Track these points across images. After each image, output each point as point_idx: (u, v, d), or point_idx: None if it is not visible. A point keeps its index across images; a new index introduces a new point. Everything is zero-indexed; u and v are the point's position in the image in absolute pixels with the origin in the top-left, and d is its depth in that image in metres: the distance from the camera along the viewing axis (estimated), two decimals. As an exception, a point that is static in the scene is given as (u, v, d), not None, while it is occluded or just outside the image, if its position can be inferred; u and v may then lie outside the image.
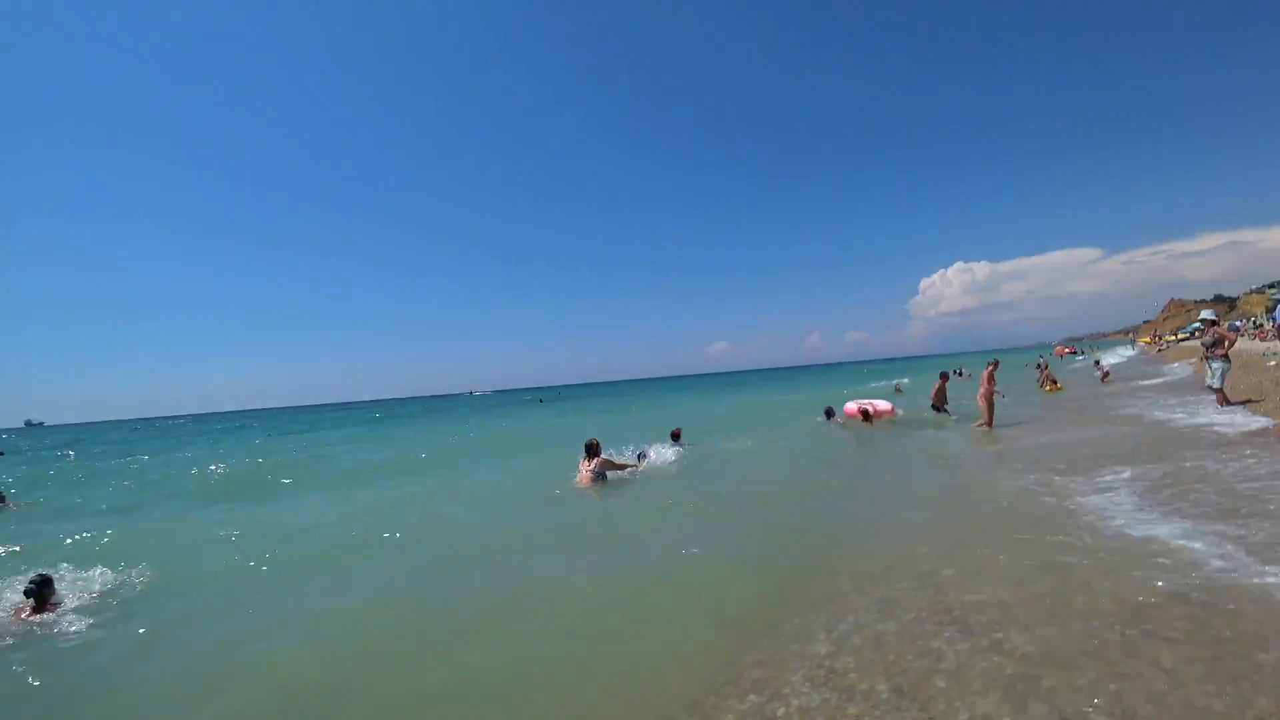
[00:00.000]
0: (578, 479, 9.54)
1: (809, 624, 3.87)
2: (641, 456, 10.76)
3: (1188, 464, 7.01)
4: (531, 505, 8.71)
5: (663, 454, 11.40)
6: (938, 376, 16.41)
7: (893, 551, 5.16)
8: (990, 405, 12.46)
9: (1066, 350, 64.67)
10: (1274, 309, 23.02)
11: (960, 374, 16.29)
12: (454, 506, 9.37)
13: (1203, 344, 11.59)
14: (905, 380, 31.02)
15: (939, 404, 15.24)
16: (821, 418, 15.89)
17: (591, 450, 9.72)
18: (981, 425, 12.44)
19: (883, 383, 32.37)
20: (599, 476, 9.46)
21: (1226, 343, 11.17)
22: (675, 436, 13.18)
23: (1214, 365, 10.99)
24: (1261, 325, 41.33)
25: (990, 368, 13.08)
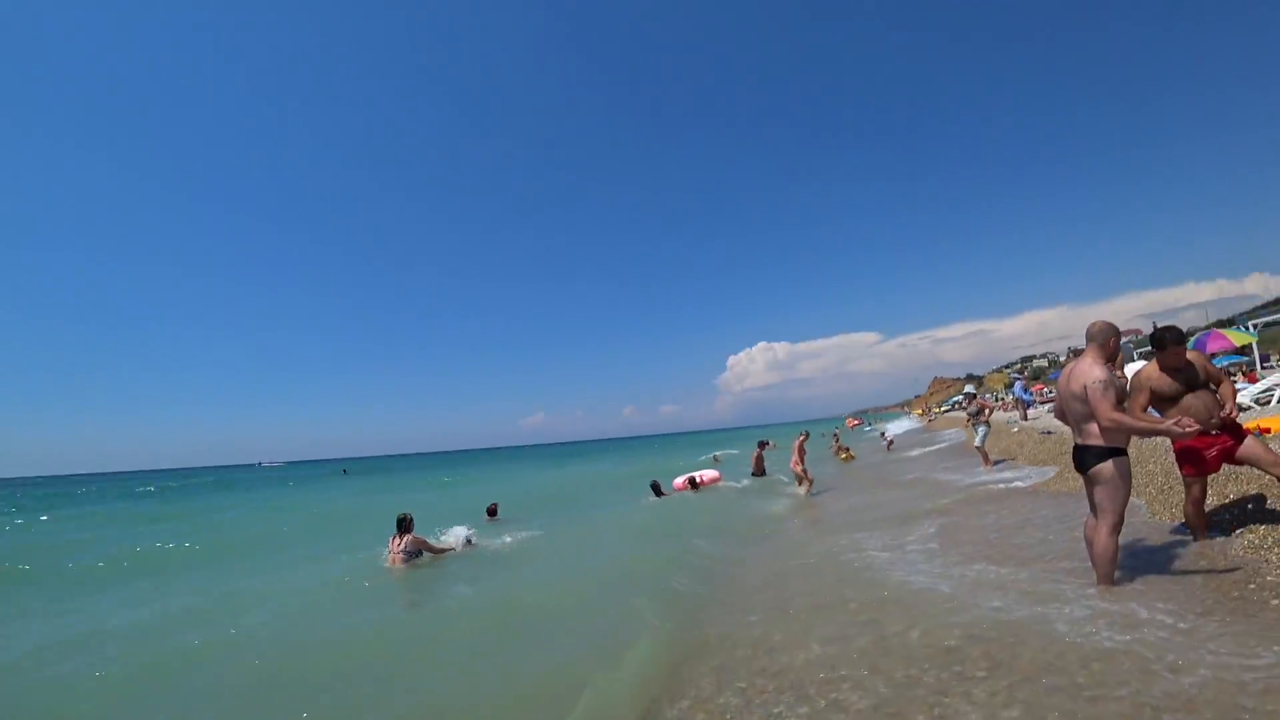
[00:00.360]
0: (388, 558, 8.71)
1: (651, 705, 3.72)
2: (470, 541, 10.08)
3: (968, 518, 7.95)
4: (341, 606, 7.43)
5: (483, 537, 10.56)
6: (755, 446, 17.57)
7: (726, 619, 5.19)
8: (804, 472, 13.46)
9: (855, 422, 72.81)
10: (1012, 385, 27.83)
11: (771, 445, 17.41)
12: (249, 615, 7.22)
13: (968, 413, 13.58)
14: (720, 453, 32.88)
15: (759, 471, 16.30)
16: (650, 494, 15.44)
17: (403, 525, 8.95)
18: (802, 488, 13.37)
19: (702, 455, 33.84)
20: (411, 556, 8.71)
21: (986, 411, 13.32)
22: (491, 512, 12.69)
23: (978, 429, 13.00)
24: (1002, 398, 50.25)
25: (801, 439, 14.21)
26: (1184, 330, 4.84)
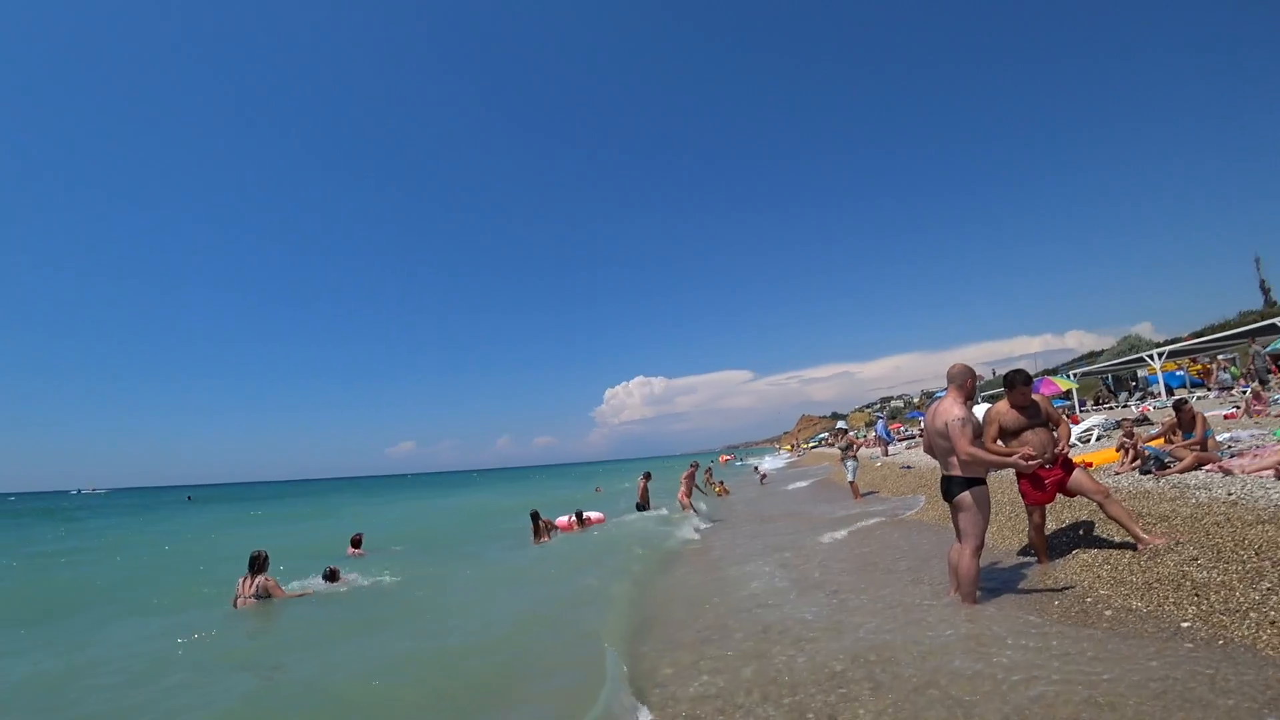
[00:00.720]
0: (237, 600, 7.88)
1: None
2: (332, 576, 9.18)
3: (845, 548, 8.35)
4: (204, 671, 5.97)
5: (348, 573, 9.58)
6: (640, 477, 17.54)
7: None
8: (689, 504, 13.68)
9: (728, 458, 75.06)
10: (874, 423, 30.00)
11: (643, 478, 17.34)
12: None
13: (839, 448, 14.37)
14: (600, 486, 32.46)
15: (644, 503, 16.15)
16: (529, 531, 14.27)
17: (256, 565, 8.10)
18: (689, 522, 13.50)
19: (578, 488, 33.35)
20: (263, 597, 7.90)
21: (855, 447, 14.16)
22: (355, 544, 11.78)
23: (849, 464, 13.78)
24: (865, 436, 54.24)
25: (690, 470, 14.49)
26: (1029, 374, 5.43)
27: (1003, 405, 5.36)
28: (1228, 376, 23.23)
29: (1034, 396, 5.30)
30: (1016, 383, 5.21)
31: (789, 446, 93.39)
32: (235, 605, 7.90)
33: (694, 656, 4.70)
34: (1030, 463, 4.82)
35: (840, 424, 17.37)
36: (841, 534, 9.46)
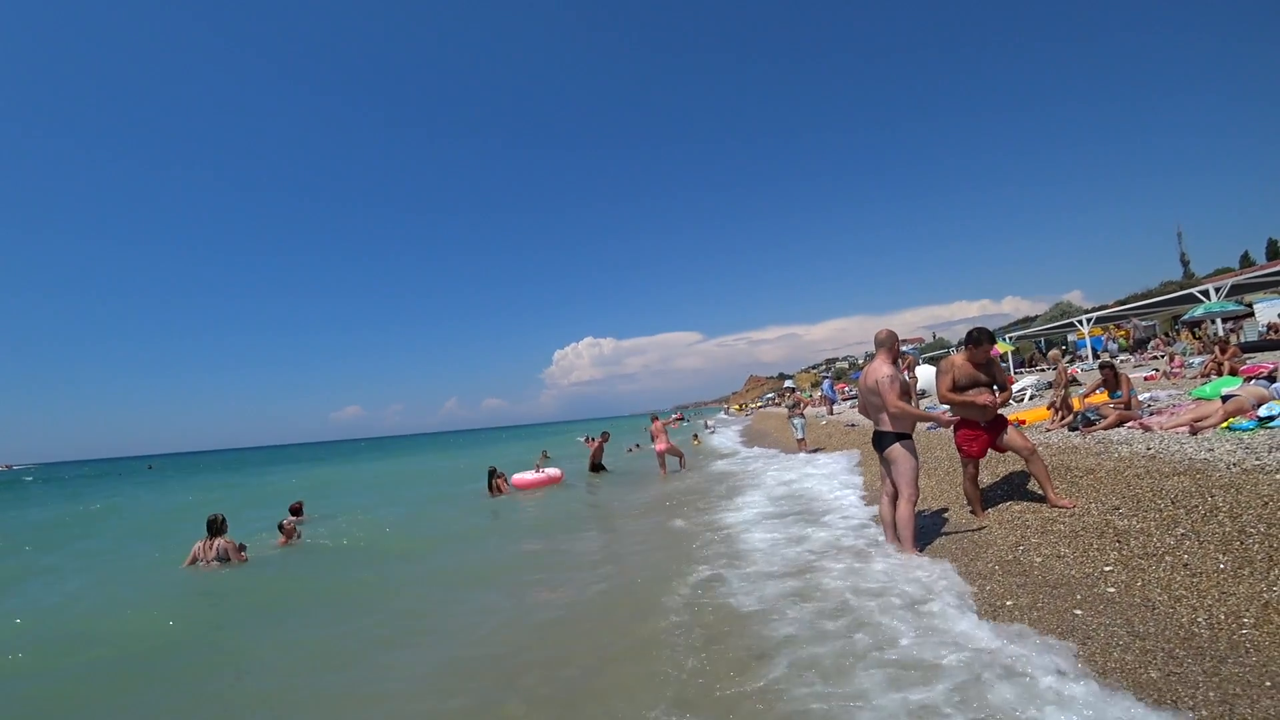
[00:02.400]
0: (199, 564, 7.74)
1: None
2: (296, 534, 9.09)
3: (800, 500, 8.60)
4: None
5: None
6: (585, 439, 17.56)
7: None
8: (667, 450, 14.22)
9: (679, 418, 75.87)
10: (821, 383, 30.80)
11: (600, 437, 17.27)
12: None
13: (786, 407, 14.73)
14: (547, 450, 31.32)
15: (597, 463, 16.28)
16: (484, 486, 14.25)
17: (214, 528, 7.94)
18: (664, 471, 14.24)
19: (528, 447, 33.11)
20: (223, 561, 7.75)
21: (801, 405, 14.55)
22: (295, 511, 11.26)
23: (796, 422, 14.18)
24: (811, 395, 55.88)
25: (666, 421, 14.82)
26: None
27: (960, 358, 5.55)
28: (1114, 346, 25.08)
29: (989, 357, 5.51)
30: (982, 340, 5.42)
31: (738, 406, 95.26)
32: (197, 566, 7.73)
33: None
34: (948, 419, 5.23)
35: (788, 383, 17.90)
36: (792, 487, 9.74)
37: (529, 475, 14.49)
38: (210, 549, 7.80)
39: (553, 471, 14.98)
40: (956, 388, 5.44)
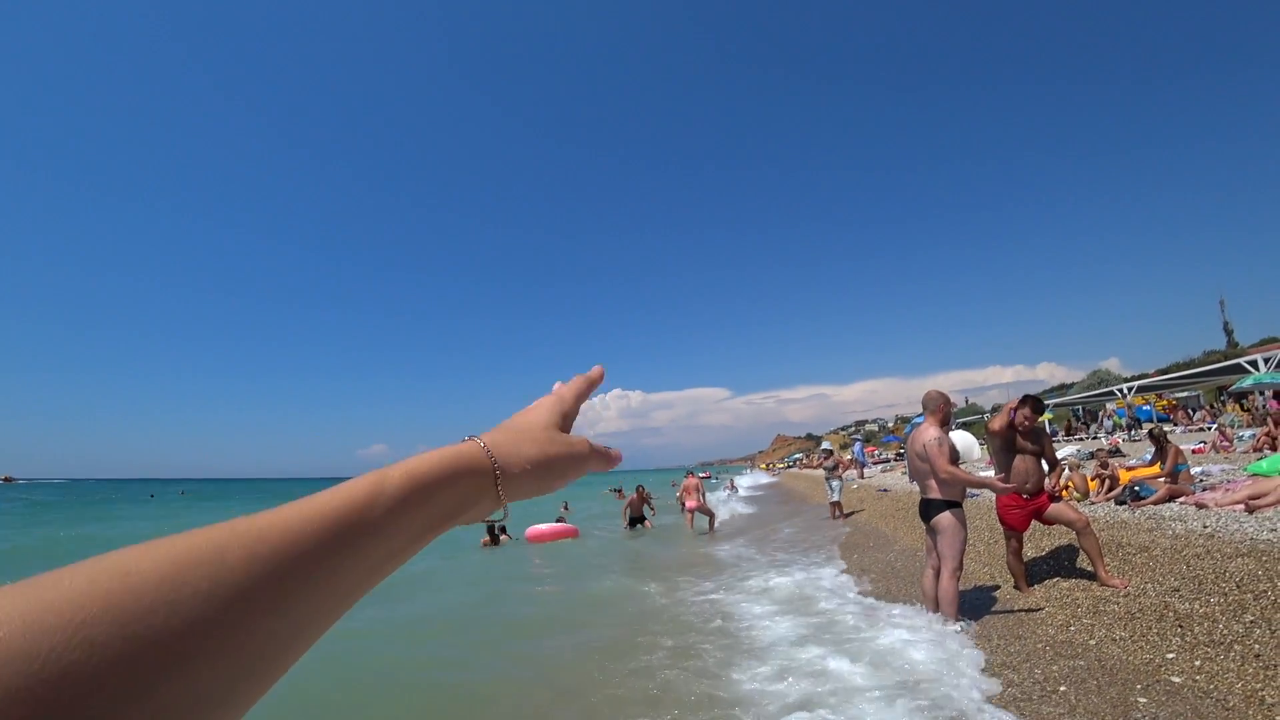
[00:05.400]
0: None
1: None
2: None
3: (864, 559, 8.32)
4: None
5: None
6: (617, 492, 17.34)
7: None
8: (697, 509, 14.02)
9: (705, 475, 74.98)
10: (851, 445, 30.21)
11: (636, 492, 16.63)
12: None
13: (825, 468, 14.35)
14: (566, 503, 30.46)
15: (638, 516, 15.43)
16: (486, 538, 13.02)
17: None
18: (706, 533, 13.82)
19: (550, 498, 32.56)
20: None
21: (841, 467, 14.25)
22: None
23: (833, 484, 13.82)
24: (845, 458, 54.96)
25: (691, 477, 14.56)
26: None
27: (998, 422, 5.43)
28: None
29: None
30: (1025, 404, 5.31)
31: (764, 465, 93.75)
32: None
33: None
34: (1005, 486, 4.97)
35: (825, 445, 17.68)
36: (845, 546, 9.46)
37: (543, 527, 13.87)
38: None
39: (565, 527, 14.20)
40: (1001, 447, 5.35)
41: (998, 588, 5.78)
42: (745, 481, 44.03)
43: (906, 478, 16.97)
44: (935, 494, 4.76)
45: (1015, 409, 5.39)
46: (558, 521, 14.34)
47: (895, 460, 29.74)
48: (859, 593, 6.45)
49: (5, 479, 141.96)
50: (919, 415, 5.37)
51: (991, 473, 5.67)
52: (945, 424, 5.00)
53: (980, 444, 21.69)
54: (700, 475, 15.25)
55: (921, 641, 4.45)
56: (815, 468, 16.42)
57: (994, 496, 5.46)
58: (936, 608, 4.85)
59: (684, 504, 14.36)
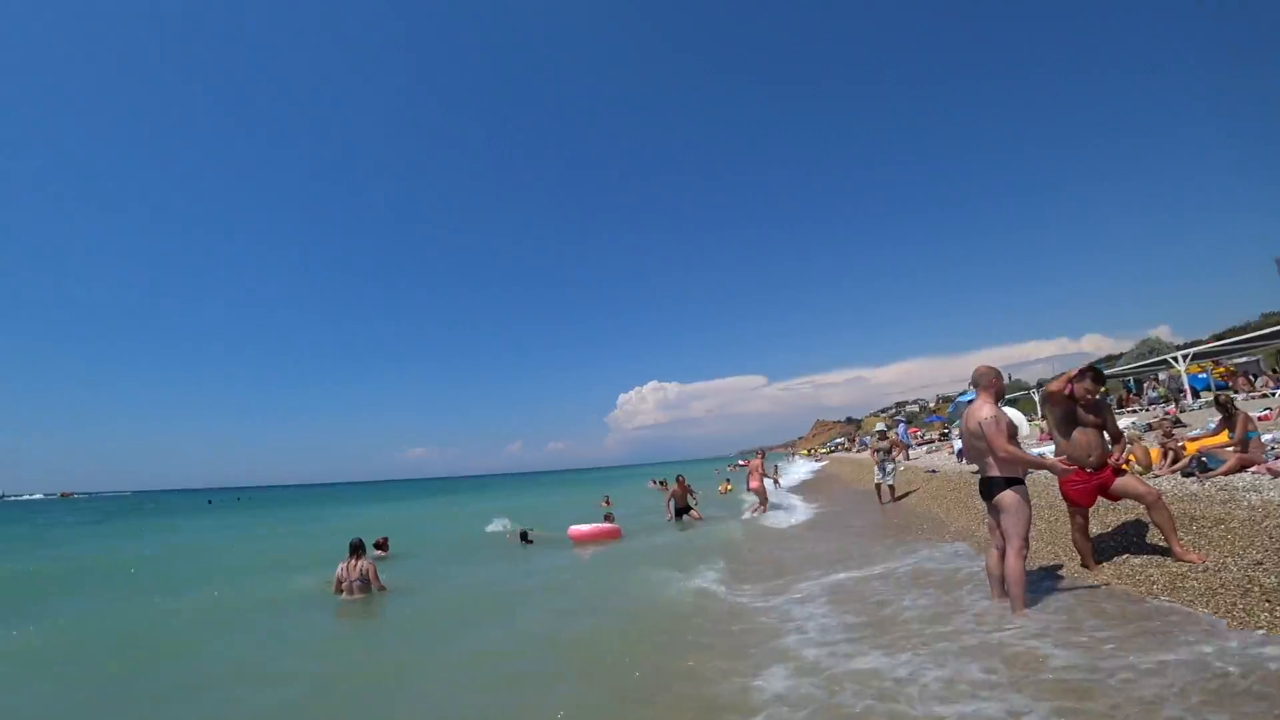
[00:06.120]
0: (344, 586, 8.09)
1: None
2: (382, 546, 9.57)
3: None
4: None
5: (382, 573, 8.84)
6: (658, 483, 17.46)
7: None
8: (763, 491, 14.73)
9: (744, 464, 74.41)
10: (893, 427, 29.65)
11: (677, 482, 16.34)
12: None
13: (879, 449, 14.15)
14: (607, 496, 29.94)
15: (683, 507, 15.08)
16: (518, 542, 13.14)
17: (356, 550, 8.36)
18: (756, 510, 14.33)
19: (589, 492, 32.46)
20: (365, 585, 8.13)
21: (896, 450, 14.19)
22: (380, 546, 12.02)
23: (888, 467, 13.71)
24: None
25: (759, 459, 15.39)
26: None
27: (1057, 385, 5.31)
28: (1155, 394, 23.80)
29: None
30: (1086, 376, 5.18)
31: (805, 451, 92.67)
32: (340, 592, 8.06)
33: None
34: (1066, 467, 4.85)
35: (880, 426, 17.81)
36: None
37: (584, 527, 13.30)
38: (353, 569, 8.10)
39: (608, 526, 13.46)
40: (1062, 418, 5.22)
41: (1061, 566, 5.66)
42: (792, 471, 39.48)
43: (955, 458, 16.67)
44: (995, 471, 4.58)
45: (1074, 380, 5.25)
46: (604, 520, 13.81)
47: (940, 441, 29.13)
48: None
49: (63, 495, 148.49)
50: (962, 393, 5.26)
51: (1047, 450, 5.52)
52: (999, 398, 4.83)
53: (1030, 420, 21.12)
54: (739, 464, 16.05)
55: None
56: (870, 453, 16.15)
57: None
58: (1003, 590, 4.69)
59: (748, 484, 15.36)
